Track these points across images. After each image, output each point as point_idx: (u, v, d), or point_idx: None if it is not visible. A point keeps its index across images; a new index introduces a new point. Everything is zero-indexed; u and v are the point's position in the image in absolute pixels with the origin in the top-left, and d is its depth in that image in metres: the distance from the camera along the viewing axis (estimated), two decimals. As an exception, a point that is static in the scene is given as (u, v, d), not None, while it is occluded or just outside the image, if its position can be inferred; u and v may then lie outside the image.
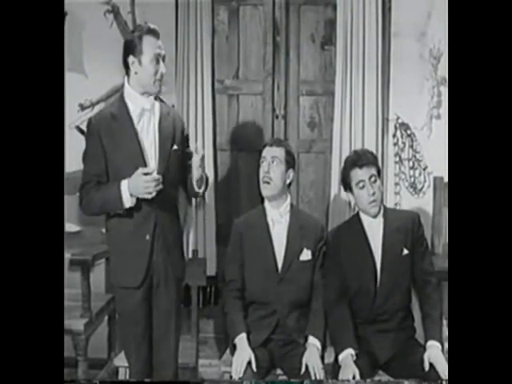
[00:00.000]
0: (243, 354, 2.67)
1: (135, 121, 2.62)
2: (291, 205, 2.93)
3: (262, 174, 2.85)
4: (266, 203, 2.92)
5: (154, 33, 2.60)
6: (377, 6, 3.45)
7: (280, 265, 2.85)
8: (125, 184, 2.54)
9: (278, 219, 2.89)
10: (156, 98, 2.70)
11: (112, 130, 2.60)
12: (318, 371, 2.65)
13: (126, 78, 2.64)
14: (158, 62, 2.59)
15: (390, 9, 3.50)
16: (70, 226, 3.64)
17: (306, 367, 2.67)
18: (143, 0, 3.60)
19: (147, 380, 2.58)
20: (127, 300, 2.68)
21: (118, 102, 2.66)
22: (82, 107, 3.70)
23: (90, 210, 2.70)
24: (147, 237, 2.63)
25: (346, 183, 2.87)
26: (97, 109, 3.64)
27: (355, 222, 2.89)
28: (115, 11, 3.61)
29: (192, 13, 3.55)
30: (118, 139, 2.60)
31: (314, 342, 2.77)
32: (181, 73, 3.55)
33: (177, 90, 3.56)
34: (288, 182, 2.90)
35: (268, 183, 2.84)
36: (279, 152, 2.86)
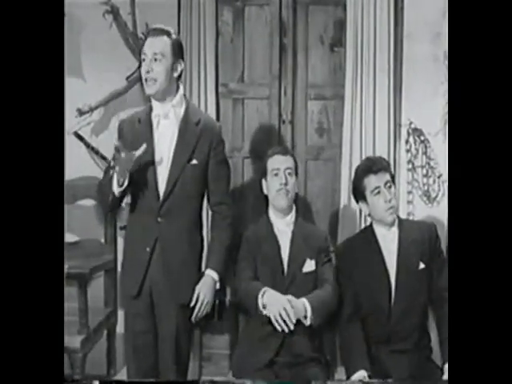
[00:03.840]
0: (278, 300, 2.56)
1: (154, 126, 2.59)
2: (296, 215, 2.85)
3: (277, 186, 2.76)
4: (271, 213, 2.84)
5: (150, 33, 2.57)
6: (389, 6, 3.34)
7: (286, 276, 2.77)
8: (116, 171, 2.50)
9: (283, 229, 2.81)
10: (186, 107, 2.63)
11: (135, 133, 2.59)
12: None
13: None
14: (144, 60, 2.53)
15: (402, 8, 3.39)
16: (68, 236, 3.51)
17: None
18: (144, 0, 3.51)
19: (147, 380, 2.54)
20: (129, 309, 2.66)
21: (148, 108, 2.66)
22: (80, 112, 3.62)
23: (100, 202, 2.75)
24: (147, 249, 2.56)
25: (358, 192, 2.76)
26: (96, 114, 3.60)
27: (368, 234, 2.78)
28: (115, 12, 3.53)
29: (195, 13, 3.45)
30: (137, 141, 2.55)
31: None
32: (183, 76, 3.30)
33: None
34: (296, 190, 2.86)
35: (286, 195, 2.76)
36: (291, 162, 2.81)
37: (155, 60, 2.52)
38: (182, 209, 2.58)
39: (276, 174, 2.78)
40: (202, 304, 2.58)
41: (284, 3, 3.54)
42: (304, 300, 2.61)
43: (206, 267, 2.65)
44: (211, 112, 3.48)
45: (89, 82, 3.59)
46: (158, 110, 2.61)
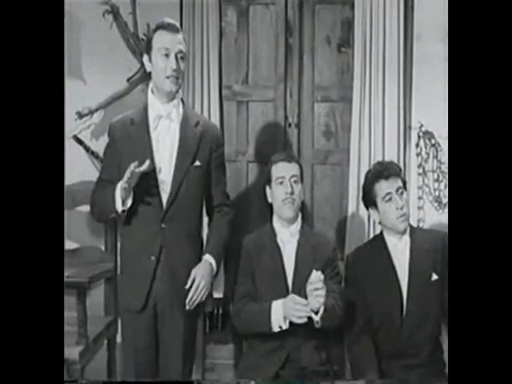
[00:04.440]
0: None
1: (151, 128, 2.50)
2: (302, 223, 2.75)
3: (283, 196, 2.66)
4: (275, 221, 2.74)
5: (166, 27, 2.48)
6: (398, 5, 3.28)
7: (290, 290, 2.65)
8: (119, 186, 2.40)
9: (288, 239, 2.71)
10: (183, 106, 2.58)
11: (128, 135, 2.50)
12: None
13: (150, 83, 2.59)
14: (167, 56, 2.45)
15: (412, 7, 3.33)
16: (67, 244, 3.41)
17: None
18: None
19: (147, 380, 2.49)
20: (130, 324, 2.54)
21: (142, 108, 2.56)
22: (80, 115, 3.54)
23: (96, 216, 2.61)
24: (152, 258, 2.47)
25: (368, 199, 2.68)
26: (96, 117, 3.53)
27: (378, 243, 2.70)
28: (115, 11, 3.46)
29: (198, 13, 3.41)
30: (132, 145, 2.48)
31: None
32: (186, 78, 3.39)
33: (182, 96, 3.29)
34: (302, 198, 2.75)
35: (292, 204, 2.66)
36: (296, 169, 2.70)
37: (181, 58, 2.49)
38: (186, 213, 2.52)
39: (281, 183, 2.68)
40: (198, 287, 2.46)
41: (290, 2, 3.49)
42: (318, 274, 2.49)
43: (204, 253, 2.57)
44: (214, 115, 3.43)
45: (88, 84, 3.52)
46: (159, 110, 2.53)
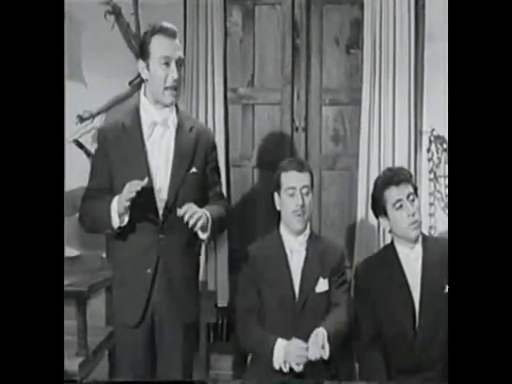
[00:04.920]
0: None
1: (145, 134, 2.41)
2: (310, 231, 2.68)
3: (293, 207, 2.58)
4: (282, 229, 2.67)
5: (165, 32, 2.37)
6: (409, 4, 3.22)
7: (297, 299, 2.60)
8: (115, 201, 2.30)
9: (296, 248, 2.64)
10: (177, 111, 2.48)
11: (120, 141, 2.41)
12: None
13: (143, 86, 2.49)
14: (167, 64, 2.35)
15: (423, 6, 3.26)
16: (68, 251, 3.42)
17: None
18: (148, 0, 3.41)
19: (147, 380, 2.43)
20: (126, 339, 2.45)
21: (133, 112, 2.46)
22: (81, 119, 3.51)
23: (85, 227, 2.51)
24: (148, 270, 2.38)
25: (378, 206, 2.61)
26: (97, 121, 3.49)
27: (389, 253, 2.62)
28: (116, 12, 3.42)
29: (202, 14, 3.36)
30: (125, 152, 2.39)
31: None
32: (189, 80, 3.37)
33: (185, 99, 3.37)
34: (313, 207, 2.69)
35: (303, 216, 2.59)
36: (308, 179, 2.63)
37: (180, 65, 2.40)
38: (183, 222, 2.40)
39: (292, 195, 2.60)
40: (192, 214, 2.29)
41: (297, 2, 3.46)
42: (322, 330, 2.42)
43: None
44: (219, 119, 3.39)
45: (89, 87, 3.48)
46: (153, 116, 2.43)
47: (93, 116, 3.48)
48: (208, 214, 2.35)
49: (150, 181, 2.35)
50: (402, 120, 3.24)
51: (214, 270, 3.31)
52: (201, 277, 3.16)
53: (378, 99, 3.26)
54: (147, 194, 2.34)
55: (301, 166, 2.63)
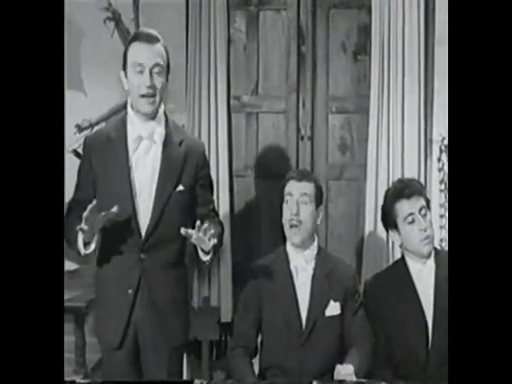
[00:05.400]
0: None
1: (130, 149, 2.32)
2: (319, 248, 2.58)
3: (288, 216, 2.50)
4: (289, 245, 2.57)
5: (142, 38, 2.30)
6: (418, 8, 3.15)
7: (304, 322, 2.48)
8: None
9: (302, 266, 2.54)
10: (167, 124, 2.38)
11: (105, 154, 2.33)
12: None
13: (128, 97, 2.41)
14: (141, 72, 2.27)
15: (433, 10, 3.19)
16: (67, 264, 3.27)
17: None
18: (148, 5, 3.34)
19: (147, 380, 2.38)
20: (110, 362, 2.39)
21: (119, 123, 2.38)
22: (80, 128, 3.43)
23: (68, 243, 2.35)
24: (130, 291, 2.30)
25: (389, 220, 2.55)
26: (99, 128, 3.37)
27: (400, 268, 2.55)
28: (116, 18, 3.35)
29: (204, 19, 3.30)
30: (109, 166, 2.31)
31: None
32: (192, 88, 3.31)
33: (187, 108, 3.31)
34: (318, 222, 2.57)
35: (297, 227, 2.48)
36: (309, 188, 2.52)
37: (157, 73, 2.29)
38: (167, 241, 2.34)
39: (287, 201, 2.53)
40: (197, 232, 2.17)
41: (302, 7, 3.39)
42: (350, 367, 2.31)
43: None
44: (222, 128, 3.33)
45: (89, 96, 3.42)
46: (140, 130, 2.34)
47: (92, 125, 3.42)
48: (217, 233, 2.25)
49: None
50: (412, 128, 3.17)
51: (217, 285, 3.22)
52: (204, 292, 3.14)
53: (386, 107, 3.20)
54: (129, 211, 2.27)
55: (301, 176, 2.55)
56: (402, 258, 2.57)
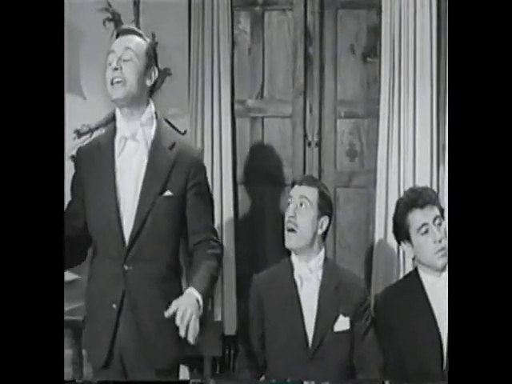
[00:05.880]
0: None
1: (116, 151, 2.25)
2: (325, 258, 2.49)
3: (286, 219, 2.45)
4: (293, 255, 2.49)
5: (123, 31, 2.34)
6: (430, 9, 3.08)
7: (310, 337, 2.38)
8: None
9: (307, 276, 2.45)
10: (159, 127, 2.31)
11: (94, 162, 2.28)
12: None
13: None
14: (114, 59, 2.25)
15: (446, 11, 3.10)
16: (66, 274, 3.26)
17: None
18: (149, 6, 3.28)
19: (146, 380, 2.26)
20: (99, 380, 2.27)
21: (111, 128, 2.35)
22: (79, 134, 3.39)
23: None
24: (113, 305, 2.18)
25: (401, 231, 2.48)
26: (95, 136, 3.27)
27: (412, 281, 2.48)
28: (116, 19, 3.29)
29: (207, 20, 3.24)
30: (96, 173, 2.25)
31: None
32: (194, 92, 3.25)
33: (190, 112, 3.25)
34: (320, 232, 2.46)
35: (293, 231, 2.42)
36: (310, 193, 2.45)
37: (125, 60, 2.24)
38: (154, 252, 2.22)
39: (289, 204, 2.48)
40: (183, 314, 2.05)
41: (309, 7, 3.31)
42: None
43: (186, 288, 2.23)
44: (226, 133, 3.26)
45: (88, 100, 3.37)
46: (124, 130, 2.27)
47: (91, 131, 3.36)
48: (201, 308, 2.11)
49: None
50: (424, 134, 3.09)
51: (221, 299, 3.14)
52: (207, 306, 3.04)
53: (397, 111, 3.12)
54: (112, 217, 2.18)
55: (306, 181, 2.51)
56: (415, 270, 2.49)
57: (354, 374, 2.40)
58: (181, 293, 2.22)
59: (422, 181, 2.99)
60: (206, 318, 2.66)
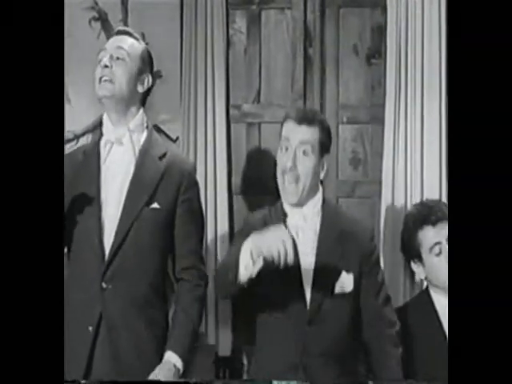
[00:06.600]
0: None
1: (102, 157, 2.17)
2: (324, 201, 2.22)
3: (282, 166, 2.15)
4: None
5: (118, 32, 2.33)
6: (439, 7, 2.96)
7: (308, 298, 2.10)
8: None
9: (301, 224, 2.16)
10: (150, 135, 2.25)
11: (78, 168, 2.20)
12: None
13: None
14: (105, 57, 2.20)
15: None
16: None
17: None
18: (138, 4, 3.20)
19: (146, 380, 2.17)
20: None
21: (96, 135, 2.30)
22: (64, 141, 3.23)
23: None
24: (90, 328, 2.06)
25: (411, 249, 2.36)
26: (82, 142, 3.24)
27: (423, 303, 2.38)
28: (103, 18, 3.21)
29: (201, 20, 3.14)
30: (80, 180, 2.17)
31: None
32: (187, 97, 3.15)
33: (182, 118, 3.15)
34: (322, 175, 2.23)
35: (294, 184, 2.13)
36: (311, 134, 2.15)
37: (117, 58, 2.18)
38: (136, 269, 2.10)
39: (283, 149, 2.18)
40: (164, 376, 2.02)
41: (310, 5, 3.21)
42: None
43: (166, 349, 2.13)
44: (220, 139, 3.15)
45: (73, 104, 3.26)
46: (110, 134, 2.19)
47: (77, 137, 3.25)
48: (180, 371, 2.05)
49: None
50: (432, 141, 2.96)
51: (214, 320, 2.99)
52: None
53: (403, 117, 3.01)
54: (93, 227, 2.07)
55: (302, 118, 2.17)
56: (426, 290, 2.38)
57: (358, 338, 2.18)
58: (166, 323, 2.12)
59: (431, 192, 2.88)
60: (198, 342, 2.54)
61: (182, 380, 2.14)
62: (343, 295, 2.12)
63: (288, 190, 2.14)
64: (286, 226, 2.10)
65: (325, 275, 2.10)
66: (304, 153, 2.14)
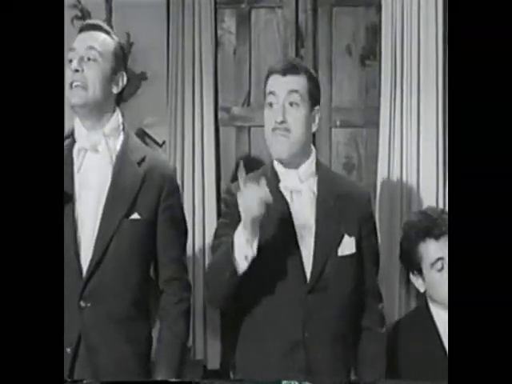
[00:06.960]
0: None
1: (75, 166, 2.07)
2: (317, 162, 2.12)
3: (271, 123, 2.02)
4: (276, 162, 2.10)
5: (86, 27, 2.18)
6: (436, 5, 2.91)
7: (309, 265, 1.99)
8: None
9: (295, 186, 2.04)
10: (126, 139, 2.13)
11: None
12: None
13: None
14: (75, 59, 2.08)
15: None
16: None
17: None
18: (123, 3, 3.13)
19: (146, 380, 2.17)
20: None
21: (70, 141, 2.16)
22: None
23: None
24: (68, 350, 1.95)
25: (411, 261, 2.28)
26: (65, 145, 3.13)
27: (421, 318, 2.30)
28: (85, 18, 3.10)
29: (188, 19, 3.07)
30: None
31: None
32: (174, 99, 3.07)
33: (169, 121, 3.07)
34: (314, 128, 2.12)
35: (284, 137, 1.99)
36: (298, 84, 2.04)
37: (88, 59, 2.06)
38: (117, 286, 2.02)
39: (271, 105, 2.05)
40: None
41: (301, 4, 3.15)
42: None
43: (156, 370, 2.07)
44: (209, 143, 3.07)
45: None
46: (83, 141, 2.08)
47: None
48: None
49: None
50: (429, 145, 2.91)
51: (203, 334, 2.92)
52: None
53: (399, 120, 2.95)
54: (68, 243, 1.96)
55: (286, 68, 2.06)
56: (425, 303, 2.29)
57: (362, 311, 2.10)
58: (149, 339, 2.03)
59: (428, 198, 2.83)
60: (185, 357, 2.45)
61: (182, 380, 2.11)
62: (346, 258, 2.03)
63: (279, 143, 2.02)
64: (279, 190, 2.02)
65: (327, 239, 2.01)
66: (293, 104, 2.03)
